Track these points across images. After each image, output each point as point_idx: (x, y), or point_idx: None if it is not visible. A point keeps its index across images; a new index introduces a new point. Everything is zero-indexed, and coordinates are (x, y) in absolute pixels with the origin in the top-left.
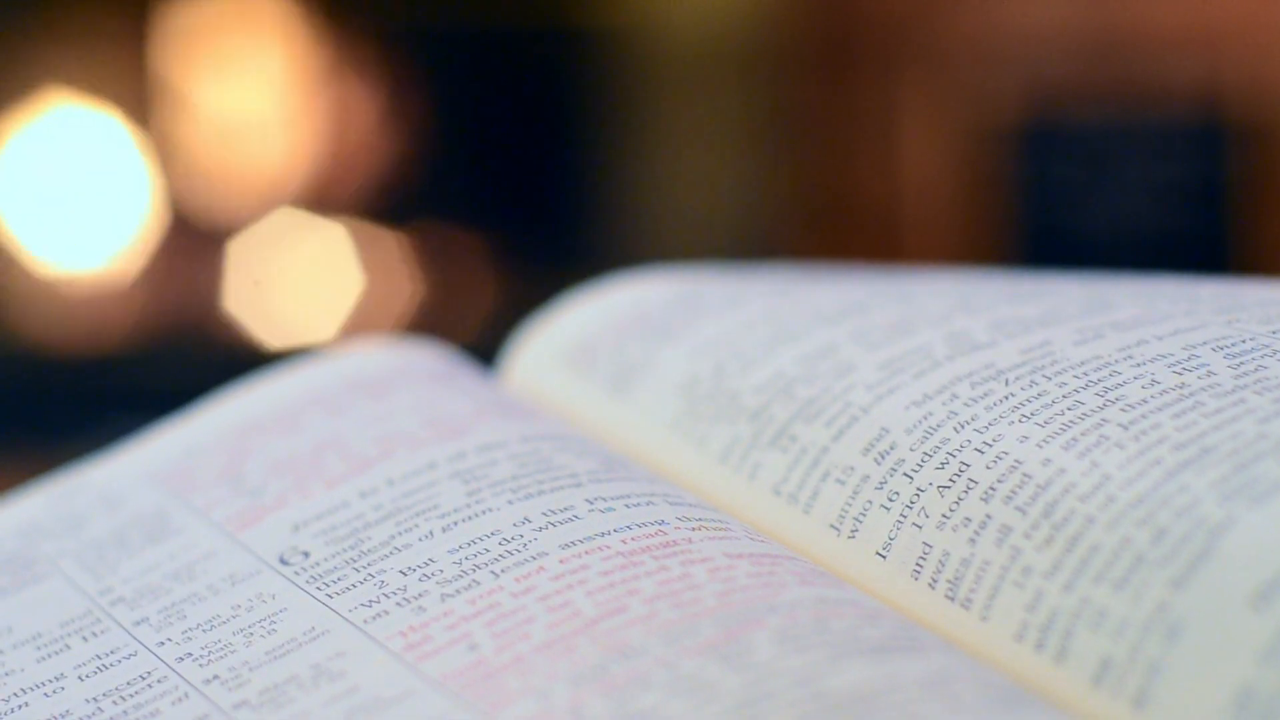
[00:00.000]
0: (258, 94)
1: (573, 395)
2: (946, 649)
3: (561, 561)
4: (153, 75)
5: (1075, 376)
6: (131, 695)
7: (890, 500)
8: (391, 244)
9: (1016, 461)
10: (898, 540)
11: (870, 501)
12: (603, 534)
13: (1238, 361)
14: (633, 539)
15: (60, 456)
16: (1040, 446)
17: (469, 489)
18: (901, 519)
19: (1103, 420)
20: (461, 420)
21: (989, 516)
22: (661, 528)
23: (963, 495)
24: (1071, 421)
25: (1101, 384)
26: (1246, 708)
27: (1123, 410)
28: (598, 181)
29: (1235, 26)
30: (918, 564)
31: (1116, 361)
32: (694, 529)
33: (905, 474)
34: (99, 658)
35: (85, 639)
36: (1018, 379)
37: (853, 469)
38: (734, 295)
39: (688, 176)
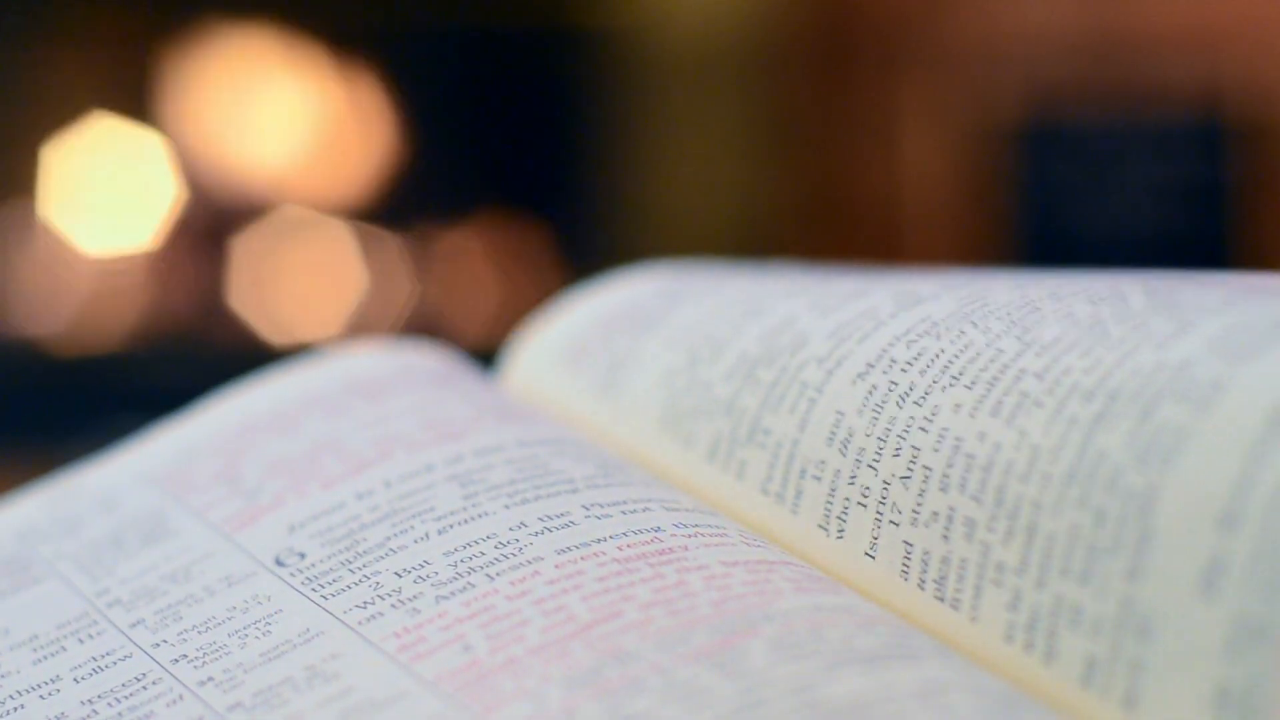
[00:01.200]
0: (262, 96)
1: (568, 395)
2: (942, 656)
3: (557, 566)
4: (156, 77)
5: (998, 319)
6: (127, 697)
7: (864, 496)
8: (392, 245)
9: (957, 439)
10: (881, 540)
11: (848, 499)
12: (599, 540)
13: (1152, 289)
14: (628, 545)
15: (61, 457)
16: (973, 416)
17: (466, 492)
18: (879, 516)
19: (1021, 371)
20: (459, 423)
21: (952, 509)
22: (657, 534)
23: (924, 487)
24: (994, 378)
25: (1021, 324)
26: (1226, 705)
27: (1037, 354)
28: (598, 182)
29: (1235, 26)
30: (904, 564)
31: (1040, 300)
32: (690, 536)
33: (869, 465)
34: (95, 659)
35: (81, 641)
36: (948, 330)
37: (824, 463)
38: (715, 283)
39: (688, 177)
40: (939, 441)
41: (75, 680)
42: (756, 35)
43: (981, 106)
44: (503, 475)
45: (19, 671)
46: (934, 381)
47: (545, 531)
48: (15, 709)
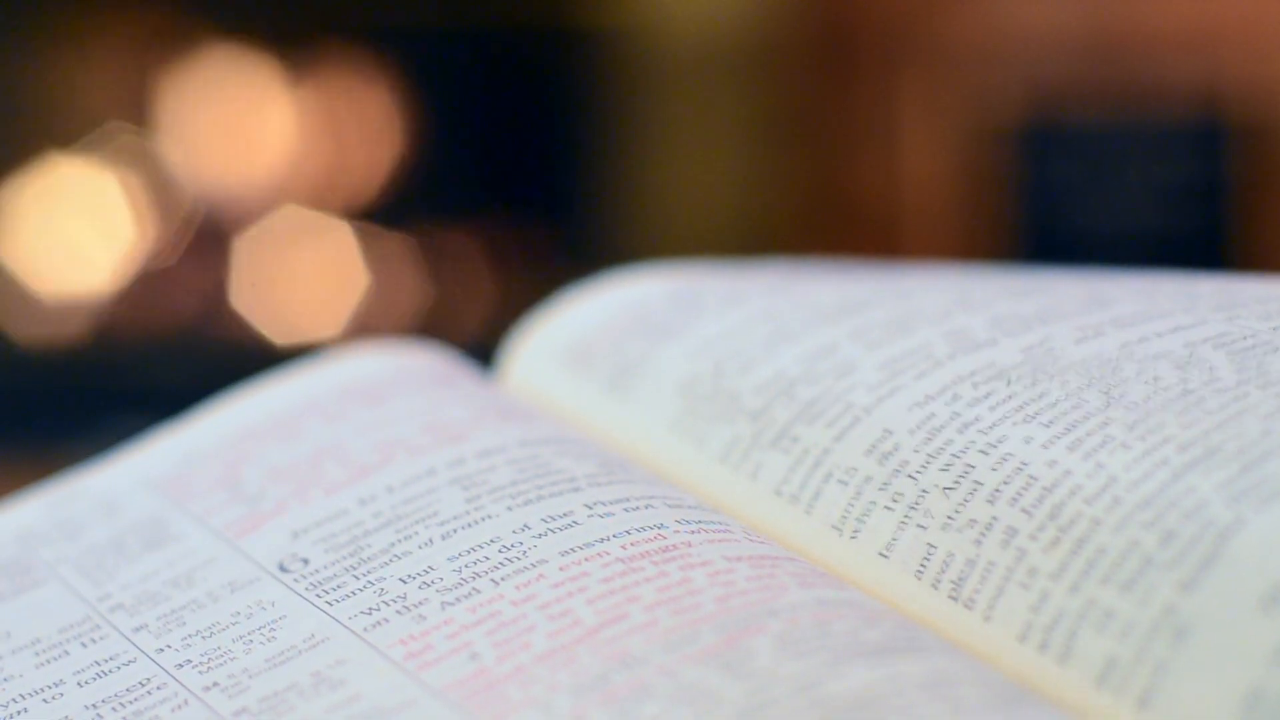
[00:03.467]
0: (263, 95)
1: (571, 395)
2: (947, 649)
3: (561, 569)
4: (159, 76)
5: (1077, 374)
6: (131, 702)
7: (894, 502)
8: (393, 245)
9: (1022, 463)
10: (900, 541)
11: (873, 503)
12: (602, 540)
13: (1239, 358)
14: (632, 544)
15: (62, 458)
16: (1045, 448)
17: (468, 495)
18: (905, 520)
19: (1107, 420)
20: (460, 425)
21: (994, 518)
22: (660, 531)
23: (968, 497)
24: (1075, 422)
25: (1104, 381)
26: (1255, 709)
27: (1126, 409)
28: (598, 182)
29: (1235, 26)
30: (921, 565)
31: (1118, 359)
32: (693, 532)
33: (909, 475)
34: (98, 664)
35: (84, 645)
36: (1019, 378)
37: (855, 470)
38: (732, 293)
39: (688, 176)
40: (1000, 464)
41: (79, 684)
42: (756, 35)
43: (981, 106)
44: (505, 476)
45: (21, 675)
46: (1004, 418)
47: (549, 533)
48: (19, 712)
